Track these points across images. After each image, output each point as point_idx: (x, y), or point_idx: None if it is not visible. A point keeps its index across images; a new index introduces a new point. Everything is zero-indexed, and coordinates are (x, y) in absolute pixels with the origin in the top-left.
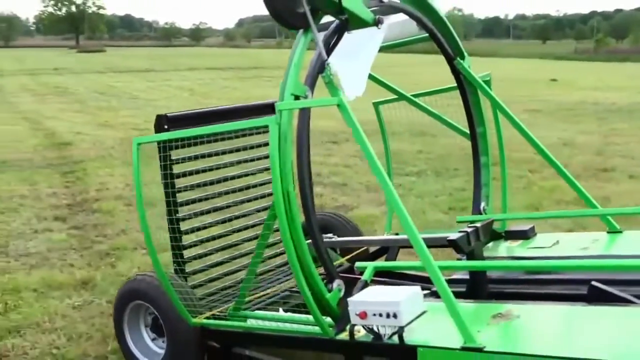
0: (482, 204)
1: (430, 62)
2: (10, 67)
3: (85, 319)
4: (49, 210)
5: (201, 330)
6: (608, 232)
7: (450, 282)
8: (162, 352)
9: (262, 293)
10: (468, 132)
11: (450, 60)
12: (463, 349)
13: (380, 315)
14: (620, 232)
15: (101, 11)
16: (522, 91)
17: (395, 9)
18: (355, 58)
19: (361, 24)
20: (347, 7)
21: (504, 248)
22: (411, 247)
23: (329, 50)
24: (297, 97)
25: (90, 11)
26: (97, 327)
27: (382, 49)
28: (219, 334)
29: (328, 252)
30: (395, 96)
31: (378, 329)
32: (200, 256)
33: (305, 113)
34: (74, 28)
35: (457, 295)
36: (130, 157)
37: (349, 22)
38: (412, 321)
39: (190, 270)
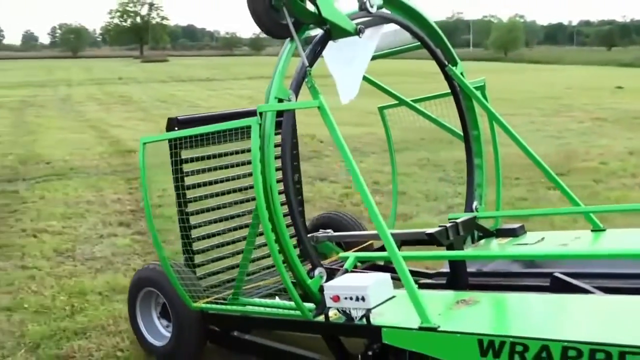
0: (475, 203)
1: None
2: (78, 77)
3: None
4: (114, 216)
5: (202, 315)
6: (592, 230)
7: (436, 275)
8: (169, 335)
9: (262, 283)
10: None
11: (442, 67)
12: (420, 328)
13: (351, 298)
14: (604, 230)
15: (165, 22)
16: (587, 99)
17: (386, 20)
18: (350, 65)
19: (343, 33)
20: (327, 18)
21: (494, 245)
22: (410, 241)
23: (315, 57)
24: (280, 100)
25: (154, 22)
26: None
27: (377, 57)
28: (217, 317)
29: (310, 243)
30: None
31: (350, 311)
32: (204, 250)
33: (289, 115)
34: (138, 38)
35: (439, 286)
36: None
37: (332, 31)
38: (379, 305)
39: (198, 262)
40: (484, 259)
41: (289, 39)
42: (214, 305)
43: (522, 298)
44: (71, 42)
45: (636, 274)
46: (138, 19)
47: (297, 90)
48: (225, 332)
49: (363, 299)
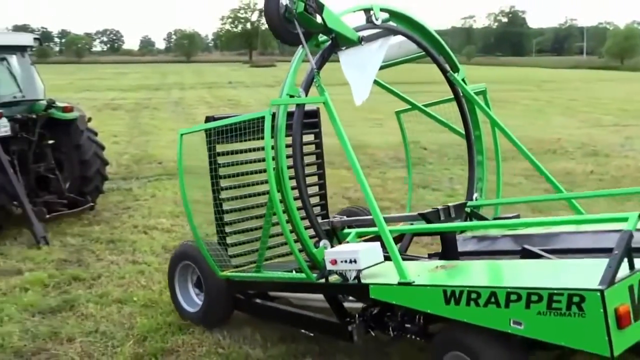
0: (476, 195)
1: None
2: (191, 81)
3: (249, 321)
4: None
5: (228, 283)
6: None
7: (433, 255)
8: (200, 302)
9: (285, 259)
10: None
11: (444, 73)
12: (399, 283)
13: (345, 261)
14: (583, 214)
15: None
16: None
17: (392, 31)
18: (363, 71)
19: (347, 41)
20: (332, 28)
21: (491, 229)
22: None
23: (323, 62)
24: (291, 97)
25: (263, 28)
26: (261, 331)
27: (387, 67)
28: (240, 284)
29: (316, 219)
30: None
31: (345, 273)
32: (236, 232)
33: (300, 110)
34: (247, 44)
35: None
36: None
37: (338, 39)
38: (369, 267)
39: (229, 240)
40: (461, 229)
41: (300, 46)
42: (238, 273)
43: (489, 262)
44: (185, 47)
45: (594, 248)
46: (248, 25)
47: (306, 88)
48: (249, 300)
49: (355, 261)
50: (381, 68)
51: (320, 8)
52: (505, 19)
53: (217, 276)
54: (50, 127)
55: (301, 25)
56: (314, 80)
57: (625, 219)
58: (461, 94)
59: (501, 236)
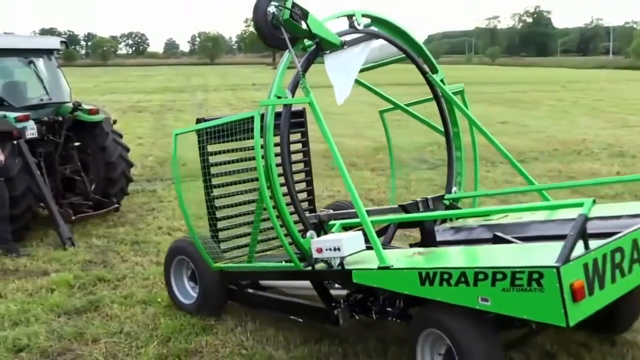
0: (455, 189)
1: (635, 79)
2: (215, 83)
3: (272, 322)
4: None
5: (221, 275)
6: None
7: (414, 245)
8: (195, 295)
9: (275, 252)
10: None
11: (424, 75)
12: (379, 268)
13: (330, 249)
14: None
15: None
16: None
17: (374, 36)
18: (346, 72)
19: (331, 45)
20: (316, 33)
21: (469, 220)
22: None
23: (308, 65)
24: (279, 97)
25: None
26: (285, 332)
27: (370, 68)
28: (232, 274)
29: (304, 212)
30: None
31: (330, 260)
32: (227, 228)
33: (287, 110)
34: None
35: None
36: None
37: (322, 44)
38: (352, 254)
39: (221, 235)
40: (435, 217)
41: (287, 50)
42: (230, 264)
43: (461, 248)
44: (209, 49)
45: (560, 235)
46: None
47: (292, 90)
48: (241, 290)
49: (339, 248)
50: (363, 70)
51: (305, 15)
52: (530, 19)
53: (211, 268)
54: (76, 129)
55: (287, 31)
56: (300, 82)
57: (581, 205)
58: (440, 94)
59: (477, 226)
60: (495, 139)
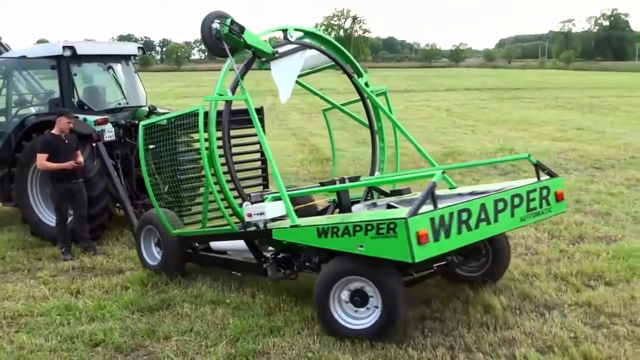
0: (377, 173)
1: None
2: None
3: None
4: None
5: (179, 239)
6: (449, 188)
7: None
8: (159, 257)
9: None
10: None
11: (350, 78)
12: (290, 226)
13: (257, 214)
14: (455, 187)
15: (367, 34)
16: None
17: (306, 46)
18: (288, 75)
19: (265, 54)
20: (250, 44)
21: (385, 200)
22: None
23: (246, 70)
24: (220, 95)
25: (356, 35)
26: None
27: (305, 74)
28: (188, 238)
29: (242, 188)
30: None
31: (257, 223)
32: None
33: (228, 106)
34: None
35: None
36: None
37: (257, 53)
38: (274, 219)
39: (179, 207)
40: (344, 189)
41: (228, 58)
42: (185, 230)
43: (355, 212)
44: None
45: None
46: (341, 32)
47: (233, 89)
48: (196, 253)
49: (263, 213)
50: (302, 75)
51: (241, 30)
52: (606, 23)
53: (170, 234)
54: None
55: (227, 43)
56: (239, 83)
57: (433, 175)
58: (365, 95)
59: (385, 204)
60: (407, 131)
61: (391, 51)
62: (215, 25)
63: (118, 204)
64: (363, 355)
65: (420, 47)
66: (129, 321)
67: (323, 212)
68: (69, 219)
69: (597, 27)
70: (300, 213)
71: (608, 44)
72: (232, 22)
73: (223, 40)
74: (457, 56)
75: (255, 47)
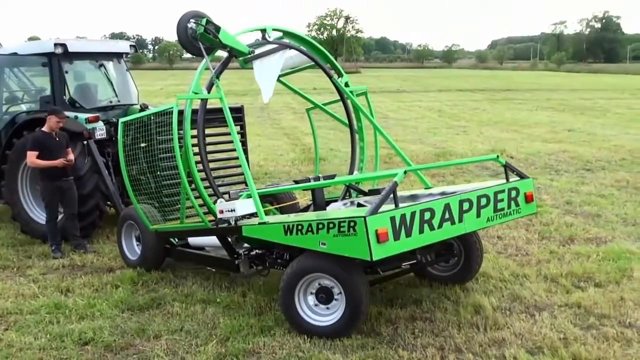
0: (356, 172)
1: None
2: (276, 87)
3: None
4: None
5: (157, 234)
6: (425, 188)
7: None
8: (139, 251)
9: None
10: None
11: (330, 78)
12: (259, 223)
13: (228, 211)
14: (430, 187)
15: (359, 35)
16: None
17: (285, 46)
18: (269, 75)
19: (240, 53)
20: (226, 43)
21: (362, 198)
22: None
23: (223, 69)
24: (196, 93)
25: (349, 35)
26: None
27: (286, 74)
28: (165, 234)
29: (216, 185)
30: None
31: (228, 220)
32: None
33: (203, 104)
34: (333, 51)
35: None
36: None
37: (233, 52)
38: (244, 216)
39: (157, 204)
40: (318, 187)
41: (204, 57)
42: (162, 226)
43: (325, 211)
44: None
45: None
46: (334, 32)
47: (208, 88)
48: (174, 248)
49: (233, 210)
50: (283, 75)
51: (217, 30)
52: (598, 25)
53: (149, 229)
54: None
55: (202, 43)
56: (214, 81)
57: (396, 174)
58: (345, 95)
59: (363, 202)
60: (386, 133)
61: (384, 51)
62: (191, 24)
63: (109, 202)
64: (354, 355)
65: (413, 48)
66: (119, 320)
67: (304, 210)
68: (60, 216)
69: (588, 29)
70: (284, 212)
71: (599, 46)
72: (208, 22)
73: (199, 40)
74: (449, 57)
75: (231, 46)
